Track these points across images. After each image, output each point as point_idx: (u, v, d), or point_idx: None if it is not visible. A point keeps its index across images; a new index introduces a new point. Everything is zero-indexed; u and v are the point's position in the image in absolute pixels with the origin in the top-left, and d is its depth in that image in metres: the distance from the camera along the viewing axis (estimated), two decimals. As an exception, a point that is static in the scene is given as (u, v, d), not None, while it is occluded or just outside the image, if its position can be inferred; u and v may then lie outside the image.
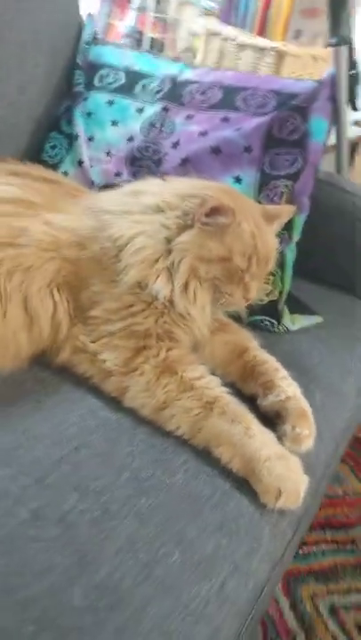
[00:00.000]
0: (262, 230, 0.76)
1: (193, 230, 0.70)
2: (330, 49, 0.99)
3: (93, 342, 0.68)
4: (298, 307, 0.92)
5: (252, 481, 0.59)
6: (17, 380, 0.66)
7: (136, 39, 2.37)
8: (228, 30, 1.19)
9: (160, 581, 0.49)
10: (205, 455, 0.62)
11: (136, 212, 0.73)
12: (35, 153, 1.01)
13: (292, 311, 0.90)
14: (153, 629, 0.46)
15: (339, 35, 0.95)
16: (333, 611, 1.02)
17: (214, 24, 1.23)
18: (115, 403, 0.66)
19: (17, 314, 0.66)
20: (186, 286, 0.70)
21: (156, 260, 0.70)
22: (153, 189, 0.77)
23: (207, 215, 0.69)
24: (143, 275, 0.69)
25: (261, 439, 0.61)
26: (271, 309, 0.87)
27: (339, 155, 1.08)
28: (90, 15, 1.10)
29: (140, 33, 2.36)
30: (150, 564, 0.50)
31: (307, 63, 1.23)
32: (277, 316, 0.88)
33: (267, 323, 0.87)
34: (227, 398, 0.64)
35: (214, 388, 0.65)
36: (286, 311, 0.89)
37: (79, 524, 0.52)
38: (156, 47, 2.18)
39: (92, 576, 0.48)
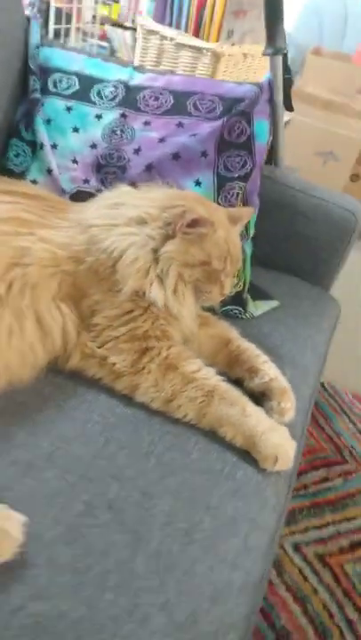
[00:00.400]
0: (231, 233, 0.87)
1: (176, 240, 0.80)
2: (266, 57, 1.09)
3: (100, 347, 0.77)
4: (258, 294, 1.04)
5: (253, 452, 0.72)
6: (36, 388, 0.73)
7: (41, 9, 2.32)
8: (166, 30, 1.25)
9: (200, 543, 0.61)
10: (212, 435, 0.73)
11: (122, 225, 0.81)
12: (-3, 161, 1.04)
13: (253, 298, 1.03)
14: (202, 582, 0.58)
15: (275, 46, 1.05)
16: (296, 548, 1.21)
17: (151, 23, 1.28)
18: (127, 399, 0.75)
19: (32, 328, 0.73)
20: (175, 290, 0.80)
21: (148, 270, 0.79)
22: (132, 201, 0.85)
23: (188, 226, 0.79)
24: (139, 284, 0.78)
25: (256, 417, 0.73)
26: (238, 299, 0.99)
27: (276, 151, 1.20)
28: (35, 16, 1.11)
29: (47, 3, 2.31)
30: (190, 531, 0.62)
31: (238, 60, 1.33)
32: (243, 305, 1.00)
33: (235, 311, 0.99)
34: (224, 386, 0.75)
35: (211, 378, 0.76)
36: (250, 299, 1.02)
37: (125, 508, 0.62)
38: (63, 17, 2.15)
39: (147, 547, 0.59)
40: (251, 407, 0.74)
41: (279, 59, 1.08)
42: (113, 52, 4.12)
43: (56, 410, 0.72)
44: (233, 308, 0.98)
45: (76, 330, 0.77)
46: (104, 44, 3.89)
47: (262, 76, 1.28)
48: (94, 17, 3.63)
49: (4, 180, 0.92)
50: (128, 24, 4.10)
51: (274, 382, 0.80)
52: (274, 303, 1.06)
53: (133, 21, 4.11)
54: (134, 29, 4.10)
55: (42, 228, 0.79)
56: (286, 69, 1.11)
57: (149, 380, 0.75)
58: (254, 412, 0.74)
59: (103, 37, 3.80)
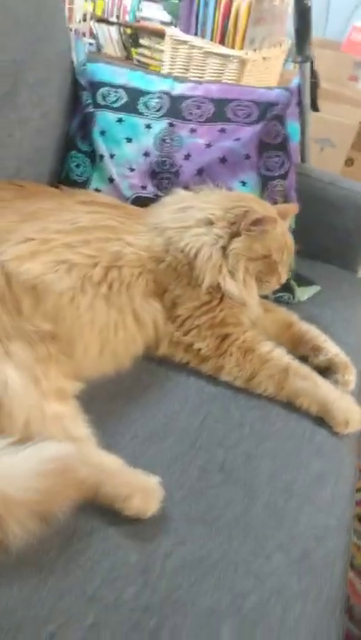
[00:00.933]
0: (284, 228, 0.98)
1: (241, 237, 0.90)
2: (296, 65, 1.19)
3: (185, 335, 0.87)
4: (302, 280, 1.15)
5: (327, 418, 0.83)
6: (135, 373, 0.84)
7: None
8: (194, 39, 1.34)
9: (299, 494, 0.72)
10: (289, 406, 0.84)
11: (193, 226, 0.91)
12: (59, 173, 1.13)
13: (298, 285, 1.14)
14: (307, 527, 0.69)
15: (304, 54, 1.16)
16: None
17: (180, 33, 1.37)
18: (212, 379, 0.86)
19: (131, 322, 0.83)
20: (244, 282, 0.91)
21: (220, 266, 0.89)
22: (198, 205, 0.95)
23: (251, 224, 0.90)
24: (215, 279, 0.88)
25: (327, 388, 0.85)
26: (286, 286, 1.09)
27: (304, 149, 1.31)
28: (78, 35, 1.20)
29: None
30: (288, 486, 0.73)
31: (260, 64, 1.43)
32: (291, 291, 1.11)
33: (285, 297, 1.10)
34: (295, 363, 0.86)
35: (284, 356, 0.87)
36: (296, 286, 1.13)
37: (233, 470, 0.73)
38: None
39: (258, 501, 0.70)
40: (321, 380, 0.86)
41: (308, 65, 1.18)
42: (100, 48, 4.16)
43: (158, 391, 0.83)
44: (283, 294, 1.09)
45: (163, 321, 0.87)
46: (91, 40, 3.93)
47: (276, 74, 1.38)
48: (85, 16, 3.68)
49: (80, 191, 1.02)
50: (113, 19, 4.14)
51: (337, 358, 0.91)
52: (317, 288, 1.17)
53: (118, 17, 4.15)
54: (119, 24, 4.15)
55: (126, 234, 0.89)
56: (313, 74, 1.22)
57: (232, 361, 0.86)
58: (324, 384, 0.85)
59: (89, 34, 3.84)
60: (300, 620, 0.59)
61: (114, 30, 4.19)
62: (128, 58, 4.01)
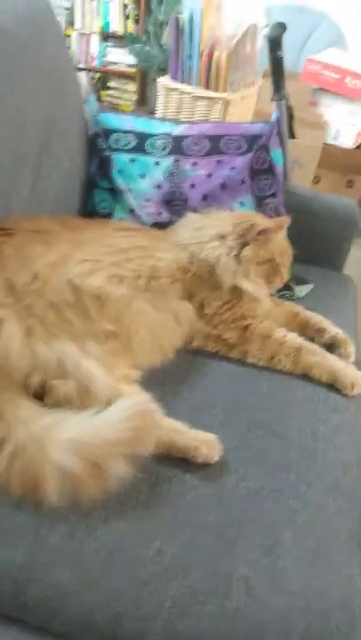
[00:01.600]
0: (282, 236, 1.19)
1: (250, 246, 1.11)
2: (273, 102, 1.42)
3: (213, 329, 1.06)
4: (298, 280, 1.36)
5: (336, 383, 1.02)
6: (177, 363, 1.02)
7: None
8: (184, 86, 1.58)
9: (324, 440, 0.91)
10: (304, 377, 1.04)
11: (209, 241, 1.11)
12: (85, 208, 1.33)
13: (296, 284, 1.34)
14: (334, 463, 0.87)
15: (280, 94, 1.39)
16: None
17: (171, 82, 1.60)
18: (240, 362, 1.05)
19: (172, 321, 1.02)
20: (256, 282, 1.11)
21: (236, 271, 1.09)
22: (210, 223, 1.16)
23: (259, 234, 1.10)
24: (233, 281, 1.08)
25: (333, 360, 1.04)
26: (286, 285, 1.30)
27: (286, 170, 1.53)
28: (89, 91, 1.41)
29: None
30: (315, 433, 0.91)
31: (239, 102, 1.67)
32: (291, 289, 1.31)
33: (287, 294, 1.30)
34: (306, 342, 1.06)
35: (296, 338, 1.06)
36: (294, 285, 1.33)
37: (270, 425, 0.91)
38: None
39: (294, 445, 0.88)
40: (328, 354, 1.05)
41: (283, 102, 1.41)
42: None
43: (198, 374, 1.01)
44: (285, 292, 1.29)
45: (195, 319, 1.06)
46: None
47: (252, 108, 1.61)
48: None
49: (111, 221, 1.21)
50: (82, 65, 4.42)
51: (338, 335, 1.11)
52: (311, 286, 1.38)
53: (86, 62, 4.43)
54: (88, 70, 4.42)
55: (156, 251, 1.08)
56: (288, 108, 1.45)
57: (255, 346, 1.05)
58: (331, 357, 1.05)
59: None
60: (340, 528, 0.78)
61: (83, 75, 4.46)
62: (98, 100, 4.28)
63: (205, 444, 0.82)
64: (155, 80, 4.04)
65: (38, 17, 1.19)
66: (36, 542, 0.69)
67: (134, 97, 4.39)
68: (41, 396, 0.85)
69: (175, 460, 0.81)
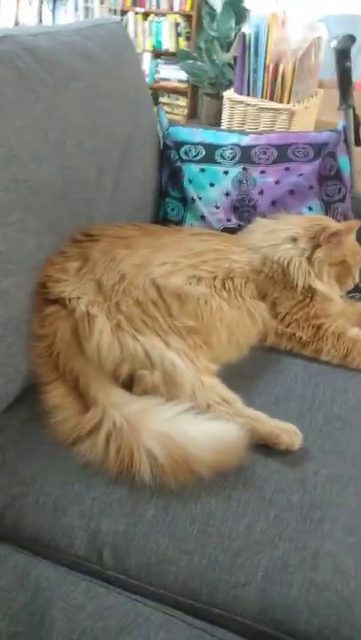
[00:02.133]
0: (353, 238, 1.22)
1: (322, 248, 1.15)
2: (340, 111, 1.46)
3: (287, 327, 1.11)
4: (366, 283, 1.38)
5: None
6: (252, 359, 1.07)
7: None
8: (248, 99, 1.64)
9: None
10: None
11: (282, 244, 1.16)
12: (157, 216, 1.41)
13: (365, 286, 1.37)
14: None
15: (347, 102, 1.43)
16: None
17: (236, 95, 1.68)
18: (313, 360, 1.09)
19: (247, 318, 1.07)
20: (328, 282, 1.15)
21: (309, 271, 1.13)
22: (281, 227, 1.21)
23: (331, 236, 1.14)
24: (307, 281, 1.12)
25: None
26: (357, 287, 1.33)
27: (353, 177, 1.56)
28: (160, 107, 1.50)
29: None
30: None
31: (303, 113, 1.72)
32: (360, 291, 1.34)
33: (356, 296, 1.33)
34: (378, 340, 1.09)
35: (368, 337, 1.09)
36: (363, 287, 1.36)
37: (348, 419, 0.94)
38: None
39: (370, 438, 0.91)
40: None
41: (350, 111, 1.45)
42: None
43: (273, 370, 1.05)
44: (354, 294, 1.32)
45: (269, 317, 1.11)
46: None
47: (314, 118, 1.65)
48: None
49: (186, 227, 1.28)
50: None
51: None
52: (379, 288, 1.40)
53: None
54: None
55: (230, 254, 1.14)
56: (355, 117, 1.49)
57: (328, 344, 1.08)
58: None
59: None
60: None
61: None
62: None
63: (287, 432, 0.86)
64: (206, 94, 4.17)
65: (118, 43, 1.29)
66: (134, 514, 0.75)
67: (185, 111, 4.54)
68: (129, 386, 0.92)
69: (257, 446, 0.86)
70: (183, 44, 4.31)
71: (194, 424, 0.84)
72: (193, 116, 4.61)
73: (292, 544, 0.72)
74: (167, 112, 4.76)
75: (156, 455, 0.79)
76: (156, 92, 4.60)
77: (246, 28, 1.69)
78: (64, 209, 1.04)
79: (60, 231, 1.05)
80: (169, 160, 1.43)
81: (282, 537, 0.73)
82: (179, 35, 4.31)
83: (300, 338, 1.10)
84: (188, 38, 4.32)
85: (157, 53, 4.45)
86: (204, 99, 4.35)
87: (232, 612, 0.68)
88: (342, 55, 1.32)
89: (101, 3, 3.76)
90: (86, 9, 3.64)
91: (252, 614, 0.67)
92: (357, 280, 1.22)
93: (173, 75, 4.47)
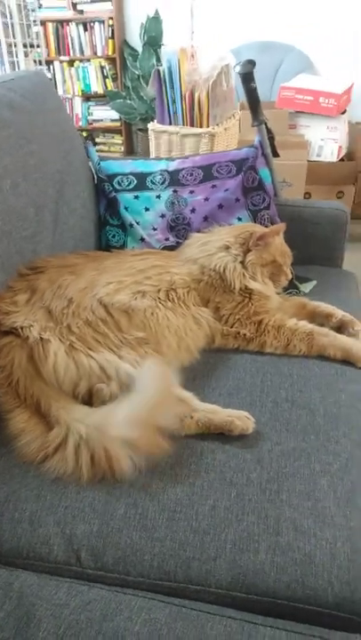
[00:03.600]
0: (280, 239, 1.32)
1: (252, 252, 1.24)
2: (254, 128, 1.59)
3: (231, 327, 1.19)
4: (302, 279, 1.49)
5: (350, 359, 1.13)
6: (203, 361, 1.14)
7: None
8: (172, 127, 1.76)
9: (346, 405, 1.01)
10: (319, 357, 1.14)
11: (216, 253, 1.25)
12: (100, 243, 1.48)
13: (301, 282, 1.47)
14: (359, 423, 0.97)
15: (259, 119, 1.56)
16: None
17: (159, 126, 1.79)
18: (259, 353, 1.17)
19: (193, 324, 1.15)
20: (263, 282, 1.24)
21: (243, 274, 1.22)
22: (214, 238, 1.30)
23: (258, 240, 1.24)
24: (243, 283, 1.21)
25: (344, 338, 1.16)
26: (292, 284, 1.43)
27: (275, 186, 1.68)
28: (88, 143, 1.60)
29: None
30: (338, 401, 1.02)
31: (223, 134, 1.84)
32: (297, 287, 1.44)
33: (293, 292, 1.42)
34: (316, 327, 1.18)
35: (306, 325, 1.18)
36: (299, 283, 1.46)
37: (295, 400, 1.02)
38: None
39: (319, 412, 0.98)
40: (338, 334, 1.17)
41: (263, 127, 1.58)
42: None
43: (224, 367, 1.12)
44: (291, 290, 1.42)
45: (213, 321, 1.19)
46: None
47: (236, 137, 1.78)
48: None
49: (127, 250, 1.36)
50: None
51: (345, 317, 1.23)
52: (314, 282, 1.50)
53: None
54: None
55: (171, 268, 1.22)
56: (268, 131, 1.61)
57: (270, 337, 1.17)
58: (341, 336, 1.17)
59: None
60: (369, 473, 0.87)
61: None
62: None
63: (239, 418, 0.93)
64: (139, 130, 4.35)
65: (40, 92, 1.38)
66: (106, 514, 0.80)
67: (122, 148, 4.70)
68: (89, 402, 0.98)
69: (216, 436, 0.92)
70: (111, 84, 4.50)
71: (136, 391, 0.91)
72: (130, 151, 4.77)
73: (255, 515, 0.78)
74: (105, 150, 4.90)
75: (129, 437, 0.84)
76: (92, 133, 4.76)
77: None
78: (8, 247, 1.11)
79: (6, 268, 1.11)
80: (104, 192, 1.52)
81: (245, 511, 0.79)
82: (105, 77, 4.50)
83: (245, 335, 1.18)
84: (114, 79, 4.51)
85: (87, 96, 4.62)
86: (138, 134, 4.53)
87: (207, 585, 0.73)
88: (246, 78, 1.45)
89: (26, 55, 3.90)
90: (12, 62, 3.76)
91: (225, 584, 0.72)
92: (290, 277, 1.32)
93: (106, 115, 4.64)
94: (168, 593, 0.72)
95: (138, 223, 1.48)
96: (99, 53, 4.43)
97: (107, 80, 4.50)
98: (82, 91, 4.58)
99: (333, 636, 0.66)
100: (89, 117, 4.71)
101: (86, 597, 0.70)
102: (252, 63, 1.44)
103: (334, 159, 3.07)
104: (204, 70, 1.73)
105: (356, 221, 3.19)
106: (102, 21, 4.28)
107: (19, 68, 3.75)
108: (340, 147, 3.06)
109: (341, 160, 3.13)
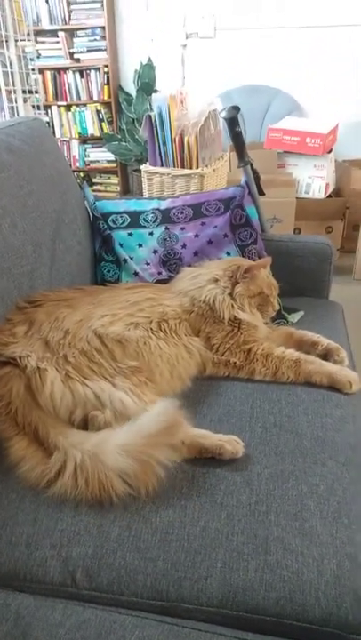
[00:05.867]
0: (266, 272, 1.39)
1: (240, 284, 1.30)
2: (240, 169, 1.68)
3: (222, 356, 1.23)
4: (290, 310, 1.54)
5: (335, 384, 1.18)
6: (194, 389, 1.18)
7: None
8: (163, 169, 1.85)
9: (331, 429, 1.05)
10: (307, 384, 1.19)
11: (206, 285, 1.31)
12: (96, 279, 1.54)
13: (288, 313, 1.53)
14: (343, 445, 1.01)
15: (244, 161, 1.65)
16: None
17: (151, 168, 1.89)
18: (249, 381, 1.21)
19: (185, 353, 1.19)
20: (251, 312, 1.29)
21: (232, 305, 1.28)
22: (203, 272, 1.36)
23: (244, 273, 1.30)
24: (232, 314, 1.26)
25: (329, 365, 1.20)
26: (279, 314, 1.48)
27: (262, 222, 1.76)
28: (84, 184, 1.68)
29: None
30: (324, 425, 1.05)
31: (212, 174, 1.94)
32: (285, 318, 1.49)
33: (281, 322, 1.48)
34: (303, 354, 1.23)
35: (294, 353, 1.23)
36: (287, 314, 1.51)
37: (283, 424, 1.06)
38: None
39: (306, 437, 1.02)
40: (324, 362, 1.22)
41: (248, 167, 1.67)
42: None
43: (215, 394, 1.16)
44: (279, 320, 1.47)
45: (204, 350, 1.24)
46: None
47: (225, 176, 1.87)
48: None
49: (121, 284, 1.42)
50: (70, 171, 4.87)
51: (330, 345, 1.28)
52: (301, 313, 1.56)
53: (70, 166, 4.89)
54: (72, 171, 4.87)
55: (163, 300, 1.28)
56: (254, 171, 1.70)
57: (259, 364, 1.21)
58: (327, 363, 1.21)
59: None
60: (356, 492, 0.90)
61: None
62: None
63: (229, 442, 0.97)
64: (134, 170, 4.50)
65: (38, 136, 1.47)
66: (100, 536, 0.82)
67: (118, 188, 4.84)
68: (85, 428, 1.01)
69: (206, 460, 0.96)
70: (107, 127, 4.68)
71: (139, 420, 0.95)
72: (126, 191, 4.92)
73: (244, 536, 0.81)
74: (101, 191, 5.05)
75: (124, 467, 0.87)
76: (89, 174, 4.91)
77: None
78: (7, 282, 1.16)
79: (5, 302, 1.16)
80: (99, 230, 1.59)
81: (235, 531, 0.82)
82: (101, 120, 4.68)
83: (235, 363, 1.23)
84: (110, 122, 4.69)
85: (84, 139, 4.79)
86: (133, 174, 4.68)
87: (198, 604, 0.75)
88: (231, 123, 1.55)
89: (25, 101, 4.06)
90: (11, 108, 3.92)
91: (216, 602, 0.75)
92: (277, 308, 1.38)
93: (102, 156, 4.81)
94: (161, 612, 0.74)
95: (132, 258, 1.55)
96: (95, 98, 4.62)
97: (102, 123, 4.68)
98: (79, 134, 4.76)
99: (321, 650, 0.68)
100: (86, 159, 4.87)
101: (81, 617, 0.72)
102: (236, 109, 1.54)
103: (322, 196, 3.19)
104: (193, 115, 1.84)
105: (346, 255, 3.32)
106: (98, 69, 4.49)
107: (18, 113, 3.90)
108: (327, 184, 3.18)
109: (330, 197, 3.25)
